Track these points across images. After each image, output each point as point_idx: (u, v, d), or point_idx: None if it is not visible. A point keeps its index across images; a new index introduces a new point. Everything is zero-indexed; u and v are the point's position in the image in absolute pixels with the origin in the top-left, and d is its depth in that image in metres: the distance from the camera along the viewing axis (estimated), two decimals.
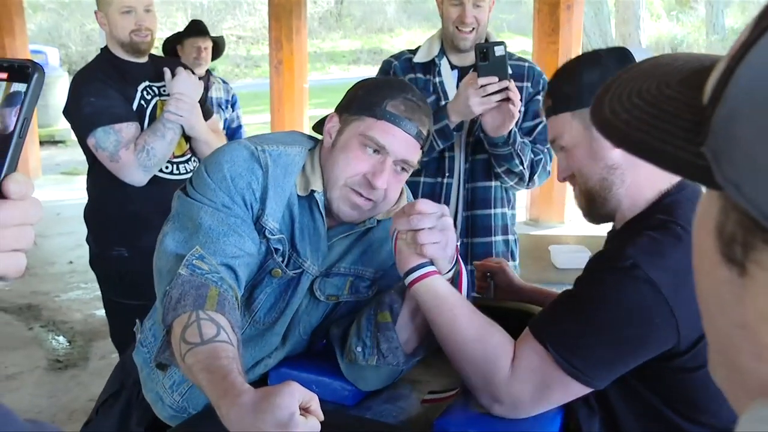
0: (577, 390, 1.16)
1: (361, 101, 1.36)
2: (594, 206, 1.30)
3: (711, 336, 0.39)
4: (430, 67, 2.21)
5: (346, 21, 19.36)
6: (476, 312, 1.24)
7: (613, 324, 1.12)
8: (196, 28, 3.85)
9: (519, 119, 2.13)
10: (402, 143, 1.32)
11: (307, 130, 7.56)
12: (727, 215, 0.35)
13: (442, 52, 2.23)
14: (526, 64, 2.25)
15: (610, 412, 1.24)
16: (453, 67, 2.22)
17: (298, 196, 1.35)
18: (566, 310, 1.19)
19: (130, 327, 1.56)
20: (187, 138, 2.47)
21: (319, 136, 1.43)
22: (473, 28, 2.14)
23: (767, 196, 0.32)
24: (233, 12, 17.26)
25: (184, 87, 2.37)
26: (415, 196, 2.06)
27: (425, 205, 1.23)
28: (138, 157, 2.28)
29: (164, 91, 2.45)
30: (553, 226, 6.11)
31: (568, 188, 6.33)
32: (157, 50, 2.66)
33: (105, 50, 2.47)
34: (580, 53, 1.50)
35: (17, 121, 0.56)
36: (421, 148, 1.36)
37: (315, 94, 10.14)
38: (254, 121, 10.27)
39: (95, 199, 2.50)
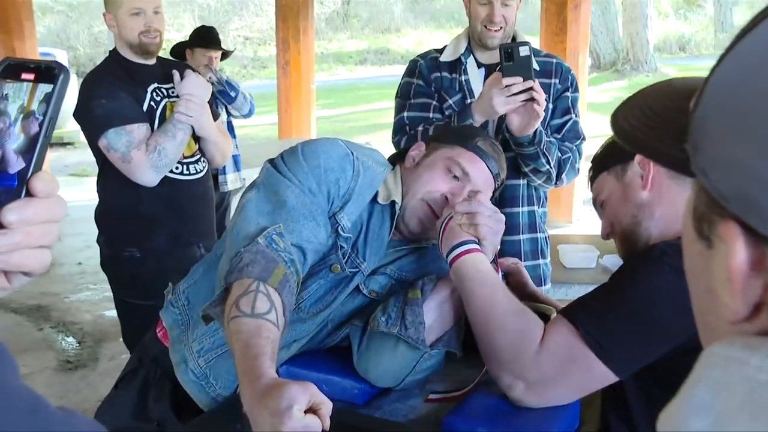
0: (599, 372, 1.18)
1: (454, 134, 1.53)
2: (630, 245, 1.39)
3: (693, 303, 0.47)
4: (456, 65, 2.21)
5: (353, 21, 19.38)
6: (513, 296, 1.31)
7: (640, 306, 1.19)
8: (209, 37, 3.83)
9: (547, 116, 2.14)
10: (483, 176, 1.45)
11: (315, 131, 7.57)
12: (699, 197, 0.43)
13: (469, 50, 2.23)
14: (554, 60, 2.24)
15: (629, 417, 1.27)
16: (480, 65, 2.23)
17: (373, 204, 1.44)
18: (598, 295, 1.27)
19: (143, 327, 1.57)
20: (196, 139, 2.49)
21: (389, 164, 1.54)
22: (501, 27, 2.15)
23: (723, 180, 0.40)
24: (240, 13, 17.31)
25: (193, 88, 2.40)
26: None
27: (484, 198, 1.37)
28: (150, 157, 2.31)
29: (173, 92, 2.47)
30: (561, 225, 6.10)
31: (576, 188, 6.28)
32: (164, 52, 2.71)
33: (114, 52, 2.50)
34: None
35: (43, 121, 0.57)
36: (494, 191, 1.49)
37: (322, 95, 10.17)
38: (261, 122, 10.31)
39: (106, 200, 2.52)
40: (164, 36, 2.48)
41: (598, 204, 1.47)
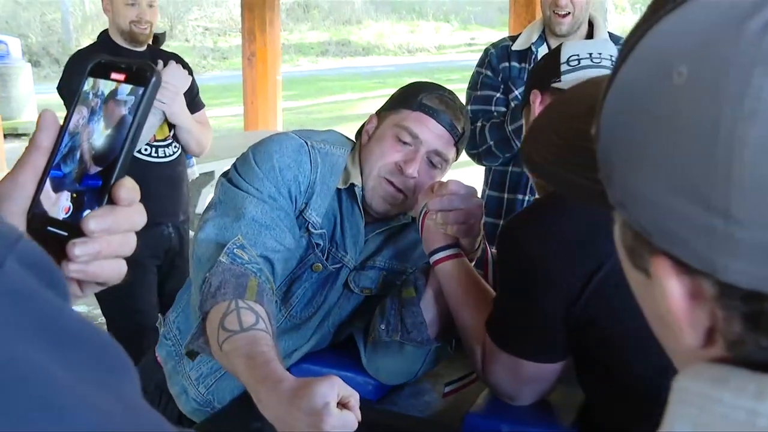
0: (542, 368, 1.16)
1: (398, 97, 1.42)
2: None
3: (651, 326, 0.45)
4: (527, 54, 2.17)
5: (314, 13, 19.22)
6: (485, 302, 1.25)
7: (505, 295, 1.19)
8: None
9: None
10: (435, 134, 1.34)
11: (281, 122, 7.49)
12: (625, 230, 0.40)
13: (542, 38, 2.19)
14: None
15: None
16: None
17: (339, 190, 1.36)
18: (496, 300, 1.23)
19: (119, 308, 1.52)
20: (171, 125, 2.56)
21: (355, 141, 1.47)
22: (569, 12, 2.10)
23: (642, 215, 0.37)
24: (199, 3, 17.01)
25: (171, 77, 2.48)
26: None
27: (456, 185, 1.27)
28: None
29: None
30: None
31: None
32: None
33: (104, 34, 2.62)
34: None
35: (131, 125, 0.54)
36: (456, 145, 1.38)
37: (285, 87, 10.06)
38: (225, 114, 10.16)
39: None
40: (155, 28, 2.60)
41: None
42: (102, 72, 0.56)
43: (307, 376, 1.03)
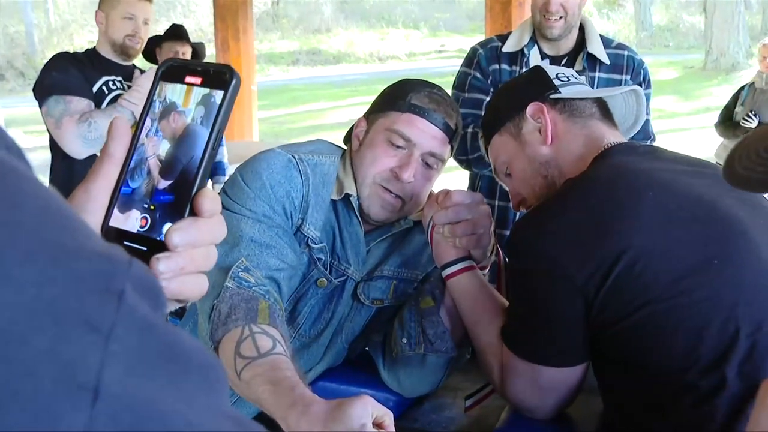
0: (563, 373, 1.14)
1: (386, 99, 1.36)
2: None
3: None
4: (518, 57, 2.10)
5: (283, 22, 19.15)
6: (498, 315, 1.23)
7: (527, 304, 1.15)
8: (176, 33, 3.77)
9: None
10: (428, 135, 1.30)
11: (257, 133, 7.42)
12: None
13: (533, 40, 2.11)
14: (625, 53, 2.14)
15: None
16: (544, 56, 2.11)
17: (335, 201, 1.32)
18: (511, 309, 1.22)
19: None
20: None
21: (344, 146, 1.42)
22: (561, 17, 2.03)
23: None
24: (167, 14, 16.83)
25: (145, 82, 2.47)
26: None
27: (461, 195, 1.23)
28: (79, 126, 2.39)
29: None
30: None
31: None
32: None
33: (91, 49, 2.63)
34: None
35: (211, 132, 0.49)
36: (450, 143, 1.33)
37: (258, 97, 9.98)
38: None
39: (51, 180, 2.60)
40: (143, 45, 2.63)
41: (501, 173, 1.34)
42: (175, 76, 0.52)
43: (324, 394, 1.00)
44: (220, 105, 0.49)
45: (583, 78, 1.40)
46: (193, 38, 3.96)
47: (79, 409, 0.28)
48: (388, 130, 1.30)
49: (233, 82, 0.50)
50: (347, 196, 1.32)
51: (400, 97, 1.32)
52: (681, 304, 1.03)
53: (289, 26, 19.01)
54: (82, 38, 17.33)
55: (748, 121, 4.67)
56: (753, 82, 4.96)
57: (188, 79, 0.51)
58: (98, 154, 2.44)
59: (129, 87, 2.57)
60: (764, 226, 1.13)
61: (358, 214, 1.33)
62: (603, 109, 1.29)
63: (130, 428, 0.30)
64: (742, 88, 5.07)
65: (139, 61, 2.79)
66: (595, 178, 1.15)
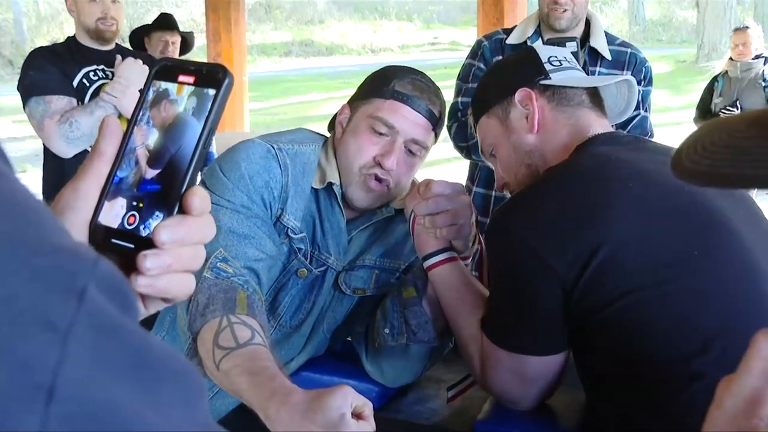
0: (544, 362, 1.13)
1: (369, 86, 1.35)
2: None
3: None
4: None
5: (276, 13, 19.06)
6: (481, 307, 1.22)
7: (503, 292, 1.16)
8: (165, 22, 3.72)
9: None
10: (411, 122, 1.28)
11: (248, 124, 7.40)
12: None
13: (538, 33, 2.13)
14: (628, 50, 2.15)
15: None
16: None
17: (316, 190, 1.31)
18: (491, 297, 1.21)
19: None
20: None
21: (327, 134, 1.41)
22: (568, 8, 2.06)
23: None
24: (159, 3, 16.73)
25: (126, 71, 2.43)
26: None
27: (441, 186, 1.22)
28: (60, 127, 2.36)
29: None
30: None
31: None
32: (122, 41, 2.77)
33: (70, 38, 2.58)
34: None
35: (202, 130, 0.50)
36: (434, 130, 1.32)
37: (249, 88, 9.94)
38: None
39: (43, 176, 2.59)
40: (122, 24, 2.55)
41: (487, 153, 1.34)
42: (168, 75, 0.52)
43: (306, 384, 1.00)
44: (213, 103, 0.50)
45: (573, 45, 1.37)
46: (184, 28, 3.93)
47: (33, 410, 0.27)
48: (372, 117, 1.29)
49: (226, 81, 0.50)
50: (330, 184, 1.30)
51: (383, 83, 1.31)
52: (662, 293, 1.03)
53: (282, 17, 18.93)
54: (72, 27, 17.19)
55: (729, 112, 4.61)
56: (726, 71, 4.88)
57: (181, 78, 0.51)
58: (89, 150, 2.43)
59: (112, 74, 2.52)
60: (746, 216, 1.13)
61: (340, 203, 1.31)
62: (593, 96, 1.27)
63: (87, 431, 0.28)
64: (715, 78, 4.98)
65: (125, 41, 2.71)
66: (575, 167, 1.15)
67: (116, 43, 2.60)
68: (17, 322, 0.28)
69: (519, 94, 1.24)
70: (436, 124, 1.32)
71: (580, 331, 1.10)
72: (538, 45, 1.40)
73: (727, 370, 0.98)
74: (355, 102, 1.36)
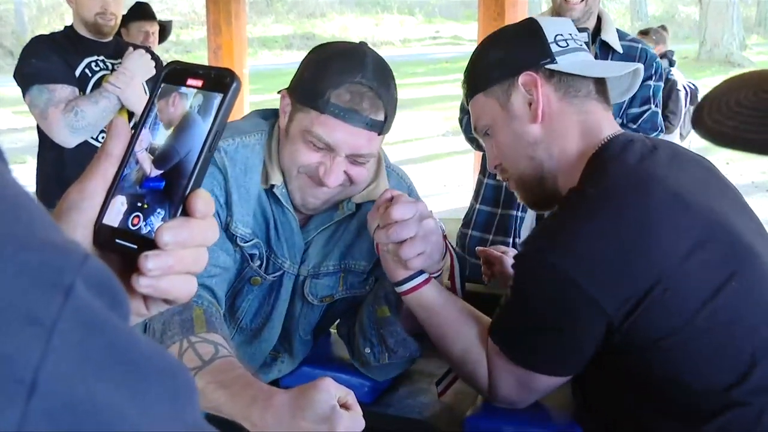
0: (551, 381, 1.12)
1: (306, 86, 1.18)
2: (533, 193, 1.21)
3: None
4: None
5: (277, 6, 19.02)
6: (465, 322, 1.17)
7: (539, 319, 1.08)
8: (143, 12, 3.65)
9: (625, 104, 2.06)
10: (350, 138, 1.14)
11: None
12: None
13: None
14: (639, 46, 2.15)
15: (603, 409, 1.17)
16: None
17: (265, 190, 1.23)
18: (507, 309, 1.14)
19: None
20: (132, 113, 2.48)
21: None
22: (582, 0, 2.06)
23: None
24: None
25: (131, 63, 2.42)
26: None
27: (401, 210, 1.09)
28: (65, 116, 2.34)
29: (119, 67, 2.48)
30: None
31: None
32: None
33: (69, 27, 2.55)
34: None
35: (209, 133, 0.50)
36: (380, 134, 1.18)
37: (250, 81, 9.92)
38: None
39: (40, 168, 2.57)
40: (120, 19, 2.55)
41: (481, 132, 1.23)
42: (177, 78, 0.52)
43: (304, 379, 0.99)
44: (219, 107, 0.50)
45: (584, 36, 1.26)
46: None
47: (14, 404, 0.27)
48: (306, 131, 1.16)
49: (233, 85, 0.51)
50: (272, 186, 1.21)
51: (319, 93, 1.14)
52: (707, 327, 1.00)
53: (284, 10, 18.89)
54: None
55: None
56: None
57: (190, 81, 0.52)
58: (89, 141, 2.39)
59: (112, 65, 2.51)
60: (756, 230, 1.12)
61: (288, 205, 1.23)
62: (599, 84, 1.20)
63: (68, 427, 0.28)
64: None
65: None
66: (613, 190, 1.06)
67: (114, 36, 2.59)
68: (2, 316, 0.28)
69: (523, 78, 1.15)
70: (381, 129, 1.18)
71: (613, 358, 1.07)
72: (542, 18, 1.26)
73: (764, 397, 0.99)
74: (293, 95, 1.20)
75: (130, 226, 0.50)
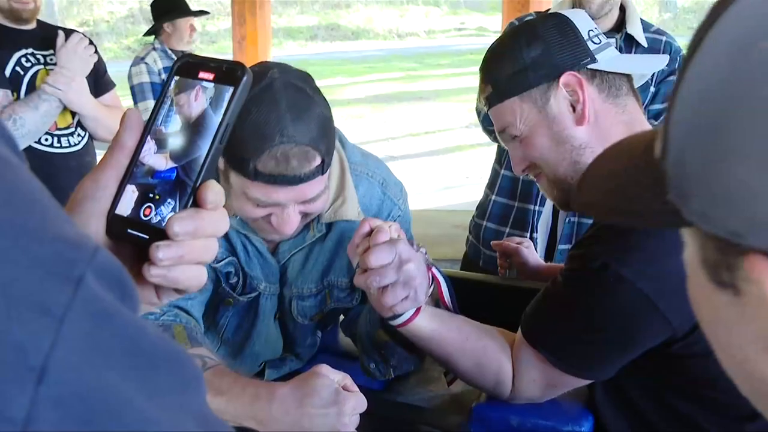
0: (584, 381, 1.13)
1: (230, 150, 1.03)
2: (569, 193, 1.16)
3: (726, 361, 0.42)
4: None
5: None
6: (467, 339, 1.14)
7: (597, 327, 1.06)
8: (185, 6, 3.64)
9: (647, 100, 2.02)
10: (291, 194, 1.09)
11: None
12: (706, 245, 0.39)
13: None
14: (663, 38, 2.10)
15: (629, 406, 1.18)
16: None
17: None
18: (552, 311, 1.11)
19: None
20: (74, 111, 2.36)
21: None
22: None
23: (729, 215, 0.35)
24: None
25: (68, 60, 2.24)
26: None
27: (378, 257, 1.01)
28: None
29: (52, 60, 2.32)
30: None
31: None
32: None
33: None
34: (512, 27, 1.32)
35: (219, 126, 0.52)
36: (323, 173, 1.11)
37: None
38: None
39: None
40: (40, 2, 2.31)
41: (509, 135, 1.17)
42: (190, 71, 0.54)
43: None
44: (230, 100, 0.52)
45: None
46: (211, 11, 3.84)
47: (24, 391, 0.28)
48: (244, 194, 1.10)
49: (244, 79, 0.52)
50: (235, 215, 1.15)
51: (244, 162, 1.06)
52: None
53: (309, 1, 18.91)
54: (102, 9, 17.36)
55: None
56: None
57: (201, 74, 0.53)
58: (32, 146, 2.18)
59: (44, 57, 2.32)
60: None
61: (252, 233, 1.21)
62: (630, 79, 1.16)
63: (76, 415, 0.29)
64: None
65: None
66: None
67: (37, 20, 2.36)
68: (14, 305, 0.29)
69: (565, 78, 1.10)
70: (322, 170, 1.10)
71: (661, 361, 1.06)
72: (571, 13, 1.21)
73: None
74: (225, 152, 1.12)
75: (142, 217, 0.51)
